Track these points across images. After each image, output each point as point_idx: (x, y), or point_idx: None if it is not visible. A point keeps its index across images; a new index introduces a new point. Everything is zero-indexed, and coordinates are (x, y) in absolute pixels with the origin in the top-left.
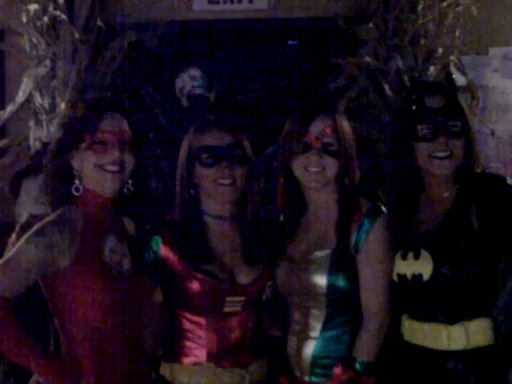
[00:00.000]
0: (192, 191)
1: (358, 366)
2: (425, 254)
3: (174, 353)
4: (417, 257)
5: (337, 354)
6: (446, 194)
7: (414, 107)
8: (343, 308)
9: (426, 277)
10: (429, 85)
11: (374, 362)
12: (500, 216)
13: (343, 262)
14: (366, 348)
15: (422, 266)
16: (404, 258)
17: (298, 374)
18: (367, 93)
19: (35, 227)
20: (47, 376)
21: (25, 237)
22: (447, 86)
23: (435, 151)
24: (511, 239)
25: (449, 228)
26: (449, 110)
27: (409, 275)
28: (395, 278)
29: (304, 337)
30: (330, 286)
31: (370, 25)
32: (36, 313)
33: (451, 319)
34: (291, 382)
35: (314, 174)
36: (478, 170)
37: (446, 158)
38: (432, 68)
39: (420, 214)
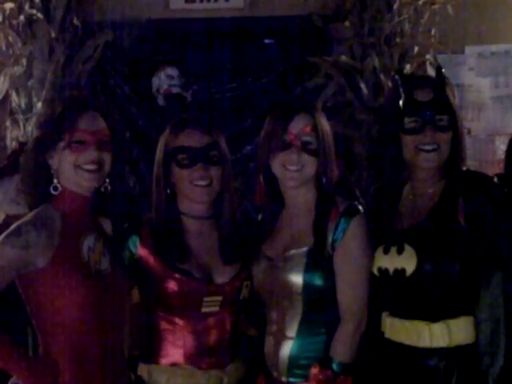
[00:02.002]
0: (169, 191)
1: (335, 366)
2: (409, 249)
3: (152, 353)
4: (400, 251)
5: (314, 354)
6: (431, 190)
7: (401, 100)
8: (320, 308)
9: (408, 272)
10: (417, 78)
11: (351, 362)
12: (487, 214)
13: (320, 260)
14: (343, 348)
15: (405, 261)
16: (386, 252)
17: (275, 374)
18: (343, 91)
19: (12, 227)
20: (25, 377)
21: (1, 237)
22: (436, 80)
23: (422, 144)
24: (497, 238)
25: (434, 223)
26: (437, 104)
27: (391, 270)
28: (376, 271)
29: (281, 337)
30: (306, 285)
31: (346, 23)
32: (14, 313)
33: (434, 317)
34: (269, 383)
35: (293, 172)
36: (464, 167)
37: (432, 150)
38: (408, 66)
39: (403, 209)
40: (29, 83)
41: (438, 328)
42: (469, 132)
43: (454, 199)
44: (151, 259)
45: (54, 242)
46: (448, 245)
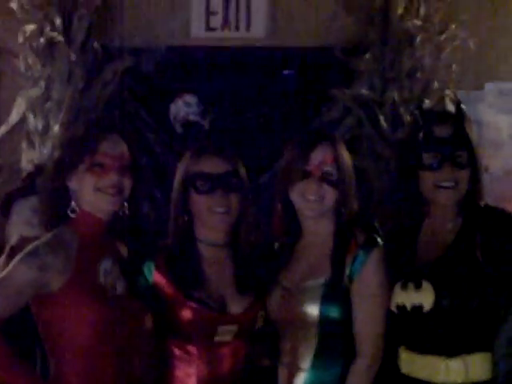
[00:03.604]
0: (186, 218)
1: None
2: (426, 284)
3: (165, 381)
4: (418, 287)
5: None
6: (449, 225)
7: (420, 135)
8: (335, 340)
9: (426, 308)
10: (437, 114)
11: None
12: (505, 250)
13: (337, 292)
14: (358, 382)
15: (422, 297)
16: (404, 288)
17: None
18: (362, 124)
19: (29, 247)
20: None
21: (18, 257)
22: (456, 116)
23: (440, 180)
24: None
25: (452, 259)
26: (456, 140)
27: (408, 306)
28: (394, 308)
29: (294, 368)
30: (322, 317)
31: (367, 56)
32: (22, 335)
33: (450, 352)
34: None
35: (313, 202)
36: (482, 203)
37: (451, 187)
38: (427, 101)
39: (422, 245)
40: (46, 106)
41: (455, 363)
42: (486, 170)
43: (472, 235)
44: (166, 286)
45: (70, 264)
46: (466, 281)
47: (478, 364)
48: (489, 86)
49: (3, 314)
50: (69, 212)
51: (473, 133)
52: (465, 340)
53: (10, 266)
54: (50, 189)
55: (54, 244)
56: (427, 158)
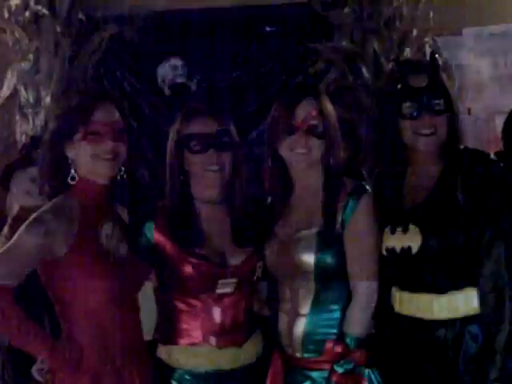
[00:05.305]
0: (182, 177)
1: (348, 340)
2: (413, 227)
3: (170, 335)
4: (405, 231)
5: (327, 329)
6: (431, 170)
7: (398, 86)
8: (332, 285)
9: (414, 250)
10: (413, 64)
11: (365, 337)
12: (484, 190)
13: (330, 240)
14: (356, 323)
15: (410, 240)
16: (393, 232)
17: (289, 351)
18: (345, 76)
19: (33, 216)
20: (51, 360)
21: (23, 226)
22: (430, 65)
23: (420, 129)
24: (494, 212)
25: (435, 202)
26: (432, 89)
27: (398, 248)
28: (384, 251)
29: (294, 314)
30: (318, 264)
31: (346, 9)
32: (30, 301)
33: (440, 289)
34: (284, 359)
35: (301, 155)
36: (462, 146)
37: (430, 135)
38: (408, 50)
39: (407, 190)
40: (36, 78)
41: (445, 300)
42: (469, 112)
43: (453, 178)
44: (167, 244)
45: (73, 229)
46: (449, 221)
47: (467, 299)
48: (466, 31)
49: (13, 282)
50: (69, 180)
51: (452, 78)
52: (452, 277)
53: (17, 234)
54: (50, 159)
55: (56, 211)
56: (406, 107)
